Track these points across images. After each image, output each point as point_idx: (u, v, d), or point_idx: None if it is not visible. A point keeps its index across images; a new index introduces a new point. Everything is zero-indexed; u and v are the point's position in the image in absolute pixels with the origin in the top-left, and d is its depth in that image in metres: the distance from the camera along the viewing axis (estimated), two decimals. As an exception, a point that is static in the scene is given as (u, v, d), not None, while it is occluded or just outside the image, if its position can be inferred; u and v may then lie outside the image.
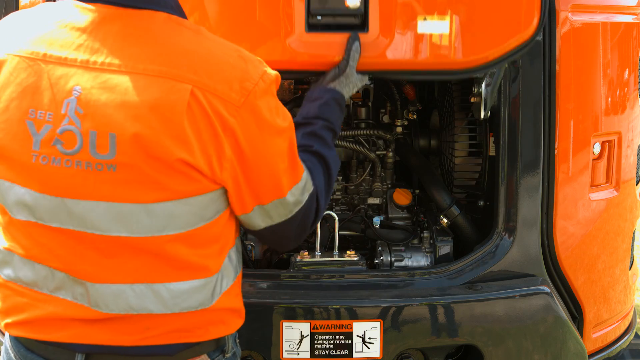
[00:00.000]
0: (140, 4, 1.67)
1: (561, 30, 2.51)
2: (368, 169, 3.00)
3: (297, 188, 1.78)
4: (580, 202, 2.67)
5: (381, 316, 2.45)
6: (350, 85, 2.26)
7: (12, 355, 1.80)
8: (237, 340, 1.94)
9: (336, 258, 2.64)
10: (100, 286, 1.68)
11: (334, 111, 2.15)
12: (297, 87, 2.98)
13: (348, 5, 2.27)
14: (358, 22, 2.31)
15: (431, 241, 2.79)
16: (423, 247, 2.80)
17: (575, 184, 2.63)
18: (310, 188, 1.83)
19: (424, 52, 2.35)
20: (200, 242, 1.71)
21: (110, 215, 1.63)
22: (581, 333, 2.75)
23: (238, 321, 1.88)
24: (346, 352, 2.46)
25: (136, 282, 1.68)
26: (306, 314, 2.44)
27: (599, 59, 2.63)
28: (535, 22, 2.39)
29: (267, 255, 2.95)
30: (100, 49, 1.63)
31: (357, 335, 2.46)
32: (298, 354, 2.45)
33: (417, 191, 3.04)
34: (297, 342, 2.44)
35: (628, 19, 2.78)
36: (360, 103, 3.04)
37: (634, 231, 3.06)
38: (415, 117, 3.05)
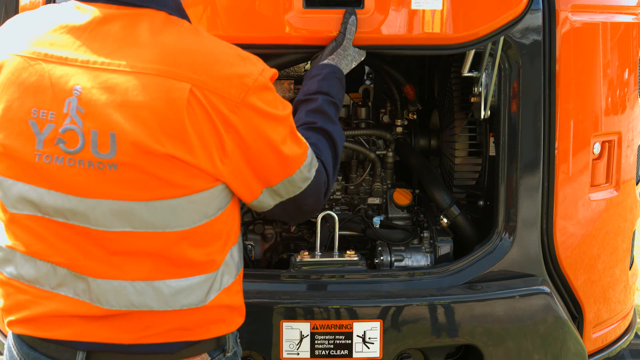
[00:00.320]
0: (140, 3, 1.69)
1: (561, 30, 2.51)
2: (368, 169, 3.00)
3: (304, 166, 1.81)
4: (580, 202, 2.67)
5: (381, 316, 2.46)
6: (349, 58, 2.30)
7: (14, 353, 1.81)
8: (239, 340, 1.95)
9: (336, 258, 2.64)
10: (102, 282, 1.69)
11: (334, 85, 2.18)
12: (297, 87, 2.98)
13: None
14: None
15: (431, 241, 2.79)
16: (423, 247, 2.80)
17: (575, 184, 2.63)
18: (316, 164, 1.86)
19: (417, 28, 2.39)
20: (203, 239, 1.72)
21: (113, 213, 1.64)
22: (581, 333, 2.75)
23: (238, 319, 1.88)
24: (346, 352, 2.46)
25: (137, 279, 1.69)
26: (306, 314, 2.44)
27: (599, 59, 2.63)
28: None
29: (267, 255, 2.95)
30: (100, 49, 1.64)
31: (357, 335, 2.46)
32: (298, 354, 2.45)
33: (417, 191, 3.04)
34: (297, 342, 2.45)
35: (628, 19, 2.78)
36: (360, 103, 3.04)
37: (634, 231, 3.06)
38: (415, 117, 3.05)
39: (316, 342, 2.45)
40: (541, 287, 2.56)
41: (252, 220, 2.95)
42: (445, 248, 2.76)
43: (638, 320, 3.90)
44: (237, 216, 1.84)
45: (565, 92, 2.55)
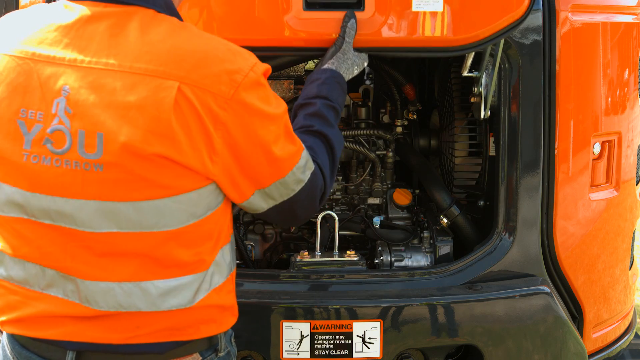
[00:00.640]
0: (128, 1, 1.67)
1: (561, 30, 2.51)
2: (368, 169, 3.00)
3: (297, 168, 1.78)
4: (580, 202, 2.67)
5: (381, 316, 2.46)
6: (349, 62, 2.28)
7: (8, 352, 1.82)
8: (233, 340, 1.94)
9: (336, 258, 2.64)
10: (90, 283, 1.68)
11: (334, 89, 2.16)
12: (297, 87, 2.98)
13: None
14: (354, 1, 2.36)
15: (431, 241, 2.79)
16: (423, 247, 2.80)
17: (575, 184, 2.63)
18: (311, 167, 1.83)
19: (418, 30, 2.39)
20: (191, 239, 1.71)
21: (100, 213, 1.63)
22: (581, 333, 2.75)
23: (231, 319, 1.87)
24: (346, 352, 2.46)
25: (124, 280, 1.68)
26: (306, 314, 2.44)
27: (599, 59, 2.63)
28: (526, 1, 2.41)
29: (267, 255, 2.95)
30: (88, 47, 1.64)
31: (357, 335, 2.46)
32: (298, 354, 2.45)
33: (417, 191, 3.05)
34: (297, 342, 2.45)
35: (628, 19, 2.78)
36: (360, 103, 3.04)
37: (634, 231, 3.06)
38: (415, 117, 3.05)
39: (316, 342, 2.45)
40: (541, 287, 2.56)
41: (252, 220, 2.95)
42: (445, 248, 2.76)
43: (638, 320, 3.90)
44: (229, 216, 1.82)
45: (565, 92, 2.55)
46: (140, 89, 1.59)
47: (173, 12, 1.75)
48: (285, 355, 2.45)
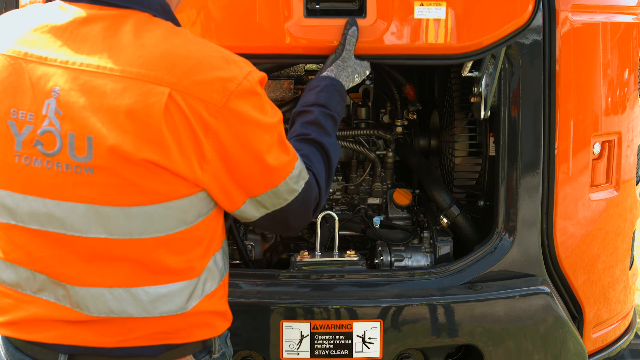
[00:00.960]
0: (123, 4, 1.66)
1: (561, 30, 2.51)
2: (368, 169, 3.00)
3: (290, 178, 1.76)
4: (580, 202, 2.67)
5: (381, 316, 2.45)
6: (349, 70, 2.26)
7: (2, 354, 1.82)
8: (229, 340, 1.92)
9: (336, 258, 2.64)
10: (80, 289, 1.68)
11: (332, 97, 2.13)
12: (297, 87, 2.98)
13: None
14: (356, 7, 2.35)
15: (431, 241, 2.79)
16: (423, 247, 2.80)
17: (575, 184, 2.63)
18: (305, 176, 1.81)
19: (420, 37, 2.38)
20: (182, 245, 1.70)
21: (89, 217, 1.63)
22: (581, 333, 2.75)
23: (224, 324, 1.86)
24: (346, 352, 2.46)
25: (114, 286, 1.67)
26: (306, 314, 2.44)
27: (599, 59, 2.63)
28: (530, 8, 2.41)
29: (267, 255, 2.95)
30: (80, 49, 1.62)
31: (357, 335, 2.46)
32: (298, 354, 2.45)
33: (417, 191, 3.04)
34: (297, 342, 2.44)
35: (628, 19, 2.78)
36: (360, 103, 3.04)
37: (634, 231, 3.06)
38: (415, 117, 3.05)
39: (316, 342, 2.45)
40: (541, 287, 2.56)
41: (252, 220, 2.94)
42: (445, 248, 2.76)
43: (638, 320, 3.90)
44: (220, 223, 1.80)
45: (565, 92, 2.55)
46: (131, 94, 1.57)
47: (169, 16, 1.73)
48: (285, 355, 2.45)
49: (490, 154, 2.75)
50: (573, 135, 2.59)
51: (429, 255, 2.78)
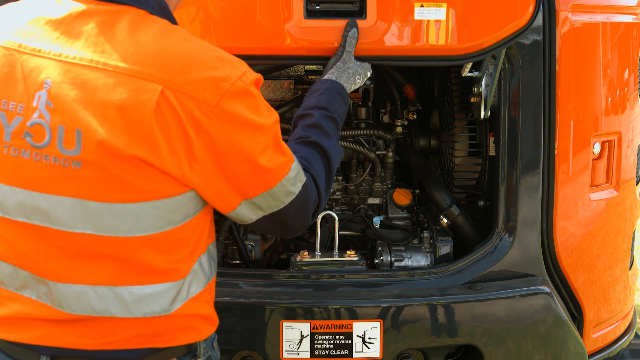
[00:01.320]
0: (120, 0, 1.66)
1: (561, 30, 2.51)
2: (368, 169, 3.00)
3: (286, 179, 1.74)
4: (580, 202, 2.67)
5: (381, 316, 2.46)
6: (350, 72, 2.25)
7: None
8: (215, 344, 1.89)
9: (336, 258, 2.64)
10: (62, 286, 1.67)
11: (333, 99, 2.12)
12: (297, 87, 2.98)
13: None
14: (356, 9, 2.35)
15: (431, 241, 2.79)
16: (423, 247, 2.80)
17: (575, 184, 2.63)
18: (302, 179, 1.79)
19: (421, 39, 2.38)
20: (167, 246, 1.68)
21: (76, 212, 1.62)
22: (581, 333, 2.75)
23: (209, 328, 1.84)
24: (346, 352, 2.46)
25: (98, 283, 1.66)
26: (306, 314, 2.44)
27: (599, 59, 2.63)
28: (530, 9, 2.41)
29: (267, 255, 2.95)
30: (75, 43, 1.62)
31: (357, 335, 2.46)
32: (298, 354, 2.45)
33: (417, 191, 3.05)
34: (297, 342, 2.45)
35: (628, 19, 2.78)
36: (360, 103, 3.04)
37: (634, 231, 3.06)
38: (415, 117, 3.05)
39: (316, 342, 2.45)
40: (541, 287, 2.56)
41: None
42: (445, 248, 2.76)
43: (638, 320, 3.90)
44: (207, 225, 1.79)
45: (565, 92, 2.55)
46: (123, 89, 1.57)
47: (166, 14, 1.72)
48: (285, 355, 2.45)
49: (490, 154, 2.75)
50: (573, 135, 2.59)
51: (429, 255, 2.78)
